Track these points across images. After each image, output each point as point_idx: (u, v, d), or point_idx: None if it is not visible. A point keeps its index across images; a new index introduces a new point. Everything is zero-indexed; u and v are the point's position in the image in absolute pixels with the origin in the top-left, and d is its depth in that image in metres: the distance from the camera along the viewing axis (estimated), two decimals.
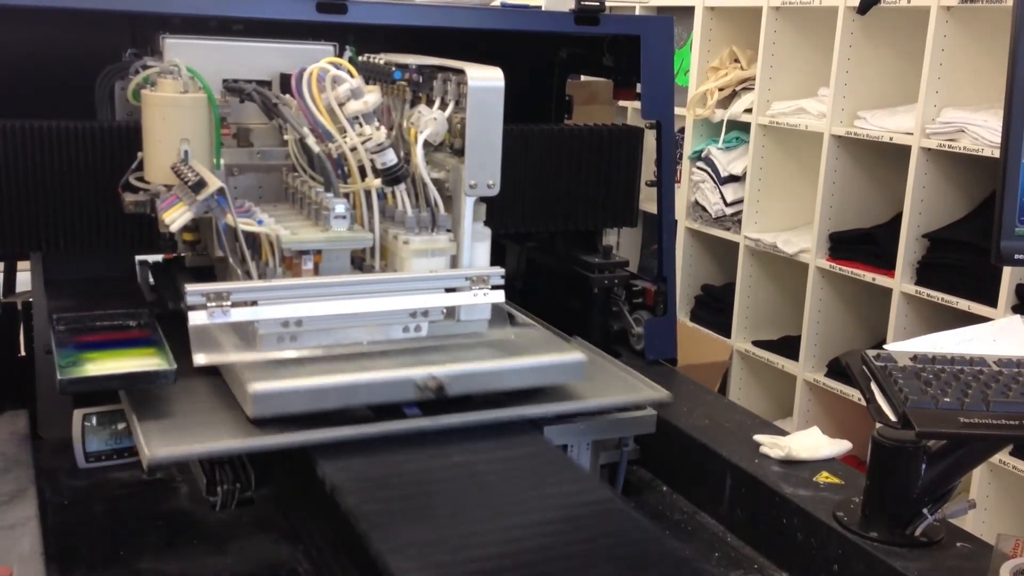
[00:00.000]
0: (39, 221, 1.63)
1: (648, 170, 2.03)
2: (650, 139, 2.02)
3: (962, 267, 2.95)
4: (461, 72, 1.47)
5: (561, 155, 1.95)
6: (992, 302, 2.81)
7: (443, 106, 1.51)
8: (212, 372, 1.45)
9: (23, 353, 1.88)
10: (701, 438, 1.67)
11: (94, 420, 1.63)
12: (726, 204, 3.82)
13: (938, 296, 2.98)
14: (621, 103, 3.98)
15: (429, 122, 1.49)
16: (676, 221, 3.74)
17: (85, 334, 1.51)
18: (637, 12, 4.05)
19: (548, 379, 1.50)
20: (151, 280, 1.80)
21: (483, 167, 1.47)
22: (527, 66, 1.55)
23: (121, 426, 1.63)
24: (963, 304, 2.90)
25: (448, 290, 1.48)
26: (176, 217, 1.38)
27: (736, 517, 1.59)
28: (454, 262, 1.51)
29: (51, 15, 1.76)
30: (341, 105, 1.46)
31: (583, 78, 3.27)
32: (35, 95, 1.79)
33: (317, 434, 1.33)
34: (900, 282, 3.10)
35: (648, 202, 2.08)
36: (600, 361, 1.70)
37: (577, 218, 2.03)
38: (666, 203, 2.04)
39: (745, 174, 3.73)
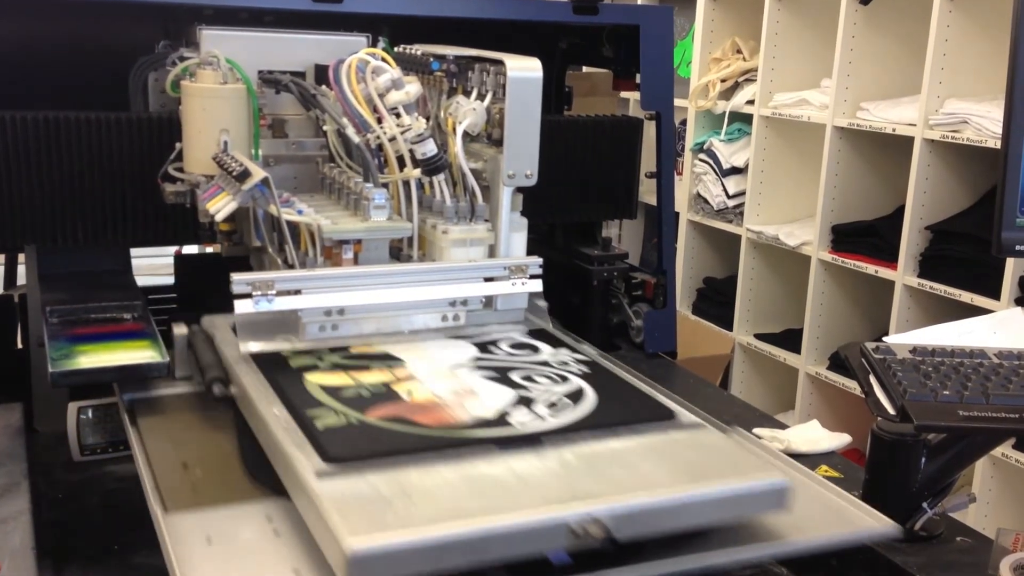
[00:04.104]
0: (37, 213, 1.63)
1: (649, 162, 2.01)
2: (651, 130, 2.01)
3: (965, 259, 2.93)
4: (500, 63, 1.47)
5: (560, 146, 1.94)
6: (995, 294, 2.80)
7: (481, 96, 1.52)
8: (276, 486, 1.15)
9: (21, 346, 1.87)
10: None
11: (89, 413, 1.62)
12: (728, 196, 3.81)
13: (941, 288, 2.97)
14: (623, 94, 3.97)
15: (468, 112, 1.49)
16: (677, 213, 3.74)
17: (78, 327, 1.50)
18: (638, 2, 4.03)
19: (745, 511, 1.12)
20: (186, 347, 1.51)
21: (521, 157, 1.47)
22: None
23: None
24: (966, 296, 2.89)
25: (487, 279, 1.48)
26: (221, 207, 1.39)
27: None
28: (492, 251, 1.51)
29: (83, 7, 1.76)
30: (381, 96, 1.47)
31: (584, 69, 3.26)
32: (65, 87, 1.80)
33: None
34: (903, 274, 3.09)
35: (649, 194, 2.07)
36: (793, 474, 1.24)
37: (576, 210, 2.02)
38: (666, 195, 2.03)
39: (747, 166, 3.72)
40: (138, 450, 1.34)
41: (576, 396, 1.25)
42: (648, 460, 1.12)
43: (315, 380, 1.25)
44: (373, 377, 1.27)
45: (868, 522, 1.16)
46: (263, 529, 1.11)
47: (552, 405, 1.21)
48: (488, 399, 1.22)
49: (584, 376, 1.31)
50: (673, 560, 1.06)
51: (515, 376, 1.29)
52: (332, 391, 1.21)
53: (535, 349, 1.41)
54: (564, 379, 1.30)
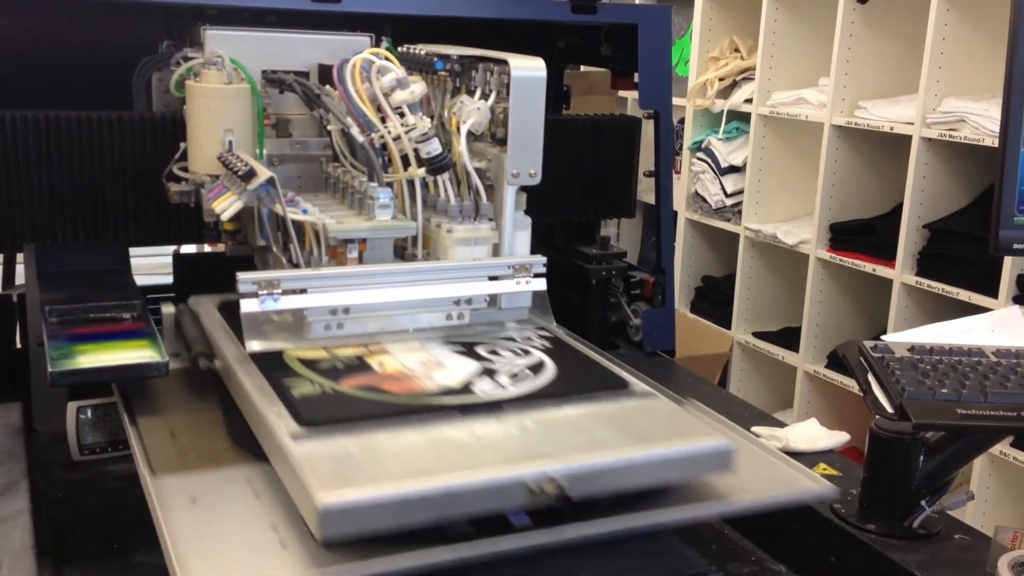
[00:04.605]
0: (37, 213, 1.63)
1: (647, 160, 2.02)
2: (649, 129, 2.01)
3: (963, 257, 2.94)
4: (504, 62, 1.48)
5: (558, 145, 1.94)
6: (993, 293, 2.81)
7: (485, 96, 1.52)
8: (258, 451, 1.23)
9: (19, 346, 1.87)
10: None
11: (89, 412, 1.63)
12: (726, 195, 3.81)
13: (939, 287, 2.98)
14: (621, 93, 3.97)
15: (473, 112, 1.50)
16: (675, 212, 3.74)
17: (78, 326, 1.50)
18: (636, 1, 4.03)
19: (692, 472, 1.21)
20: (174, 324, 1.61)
21: (525, 156, 1.48)
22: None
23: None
24: (964, 295, 2.89)
25: (491, 278, 1.49)
26: (227, 206, 1.39)
27: None
28: (496, 250, 1.52)
29: (86, 7, 1.76)
30: (386, 95, 1.47)
31: (583, 68, 3.26)
32: (68, 87, 1.80)
33: (405, 560, 1.04)
34: (900, 273, 3.09)
35: (648, 193, 2.07)
36: (743, 441, 1.35)
37: (575, 209, 2.03)
38: (664, 194, 2.03)
39: (745, 165, 3.72)
40: (128, 420, 1.41)
41: (537, 368, 1.34)
42: (601, 425, 1.20)
43: (294, 354, 1.33)
44: (348, 351, 1.36)
45: (807, 484, 1.26)
46: (244, 490, 1.19)
47: (514, 376, 1.30)
48: (454, 370, 1.31)
49: (546, 350, 1.40)
50: (624, 517, 1.13)
51: (481, 350, 1.39)
52: (309, 363, 1.30)
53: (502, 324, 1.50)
54: (527, 352, 1.40)
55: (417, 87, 1.50)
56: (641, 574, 1.16)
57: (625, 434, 1.19)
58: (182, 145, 1.55)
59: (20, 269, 1.84)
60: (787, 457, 1.33)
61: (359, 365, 1.32)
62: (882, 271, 3.18)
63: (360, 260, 1.43)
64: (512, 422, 1.19)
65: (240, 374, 1.29)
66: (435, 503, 1.04)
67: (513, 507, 1.09)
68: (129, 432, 1.38)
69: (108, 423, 1.63)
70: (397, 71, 1.49)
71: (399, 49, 1.68)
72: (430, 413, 1.19)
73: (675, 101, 2.69)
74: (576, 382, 1.30)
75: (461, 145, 1.49)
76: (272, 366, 1.29)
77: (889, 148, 3.28)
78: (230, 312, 1.46)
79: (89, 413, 1.62)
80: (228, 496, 1.18)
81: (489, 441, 1.14)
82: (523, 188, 1.53)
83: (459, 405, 1.21)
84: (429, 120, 1.49)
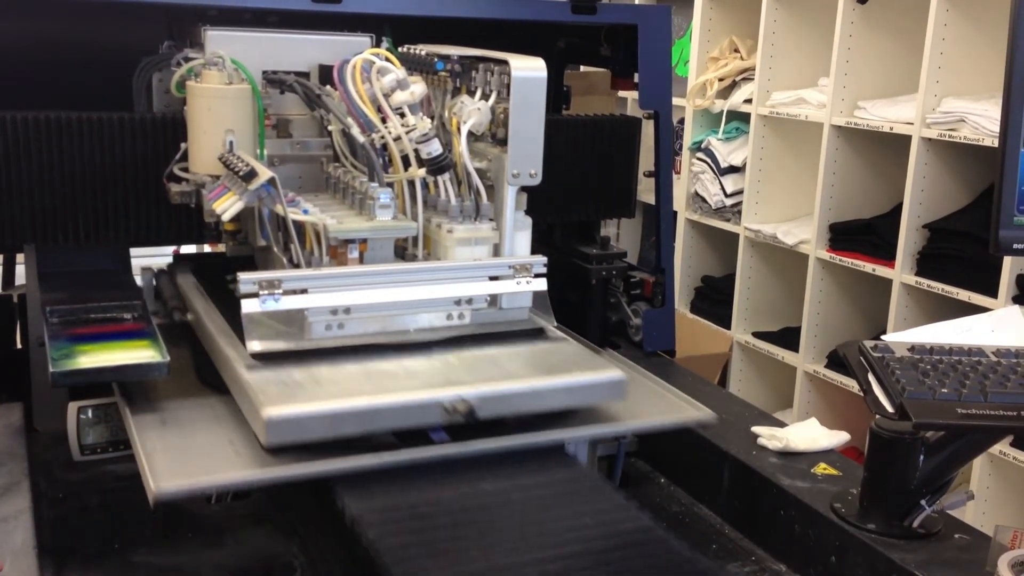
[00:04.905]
0: (36, 213, 1.63)
1: (647, 161, 2.02)
2: (649, 129, 2.01)
3: (962, 257, 2.94)
4: (504, 63, 1.48)
5: (558, 145, 1.94)
6: (993, 292, 2.81)
7: (485, 96, 1.53)
8: (220, 386, 1.43)
9: (20, 346, 1.87)
10: (699, 430, 1.67)
11: (89, 413, 1.63)
12: (726, 195, 3.82)
13: (938, 287, 2.98)
14: (621, 93, 3.98)
15: (473, 112, 1.50)
16: (675, 212, 3.74)
17: (78, 326, 1.50)
18: (636, 1, 4.03)
19: (587, 399, 1.42)
20: (154, 284, 1.78)
21: (525, 156, 1.48)
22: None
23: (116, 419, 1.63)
24: (963, 295, 2.89)
25: (491, 278, 1.49)
26: (228, 207, 1.39)
27: (734, 509, 1.59)
28: (496, 251, 1.52)
29: (87, 7, 1.76)
30: (386, 96, 1.48)
31: (583, 68, 3.26)
32: (68, 88, 1.80)
33: (338, 463, 1.25)
34: (900, 273, 3.09)
35: (647, 193, 2.07)
36: (638, 378, 1.62)
37: (574, 209, 2.03)
38: (664, 194, 2.03)
39: (745, 165, 3.72)
40: None
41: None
42: (515, 361, 1.42)
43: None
44: None
45: (691, 411, 1.50)
46: (206, 415, 1.39)
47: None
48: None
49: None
50: (524, 435, 1.35)
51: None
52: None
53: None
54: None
55: (417, 87, 1.50)
56: (535, 486, 1.31)
57: (533, 368, 1.41)
58: (183, 146, 1.56)
59: (20, 270, 1.84)
60: (677, 391, 1.56)
61: None
62: (882, 271, 3.18)
63: (361, 260, 1.44)
64: (438, 358, 1.41)
65: (207, 322, 1.51)
66: (363, 418, 1.26)
67: (430, 424, 1.30)
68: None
69: (109, 423, 1.63)
70: (397, 72, 1.49)
71: (399, 49, 1.69)
72: (368, 350, 1.39)
73: (675, 101, 2.69)
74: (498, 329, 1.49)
75: (461, 145, 1.49)
76: (234, 312, 1.43)
77: (889, 148, 3.29)
78: (202, 274, 1.71)
79: (90, 413, 1.62)
80: (193, 419, 1.38)
81: (416, 372, 1.36)
82: (523, 188, 1.53)
83: (394, 343, 1.41)
84: (429, 120, 1.50)
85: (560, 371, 1.40)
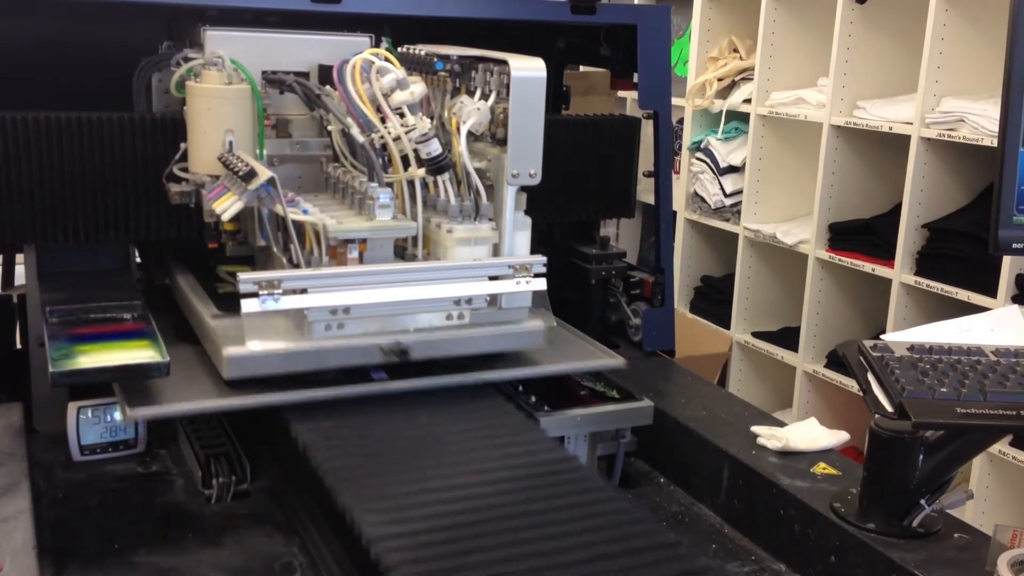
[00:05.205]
0: (36, 213, 1.63)
1: (646, 161, 2.02)
2: (648, 129, 2.02)
3: (962, 257, 2.94)
4: (504, 63, 1.48)
5: (558, 145, 1.94)
6: (992, 292, 2.81)
7: (485, 96, 1.53)
8: (194, 340, 1.59)
9: (20, 346, 1.88)
10: (698, 429, 1.67)
11: (89, 413, 1.63)
12: (725, 195, 3.81)
13: (938, 287, 2.98)
14: (621, 93, 3.98)
15: (473, 112, 1.50)
16: (675, 212, 3.74)
17: (78, 326, 1.50)
18: (635, 1, 4.04)
19: (508, 345, 1.57)
20: (137, 258, 1.85)
21: (525, 156, 1.49)
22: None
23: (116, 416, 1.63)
24: (963, 294, 2.89)
25: (491, 278, 1.50)
26: (227, 207, 1.40)
27: (733, 509, 1.59)
28: (496, 251, 1.53)
29: (86, 8, 1.76)
30: (386, 96, 1.48)
31: (582, 68, 3.26)
32: (68, 88, 1.81)
33: (288, 395, 1.42)
34: (900, 272, 3.09)
35: (647, 193, 2.07)
36: (562, 331, 1.77)
37: (574, 209, 2.03)
38: (663, 194, 2.03)
39: (744, 165, 3.72)
40: None
41: None
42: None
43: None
44: None
45: (605, 359, 1.69)
46: (178, 360, 1.48)
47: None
48: None
49: None
50: (458, 375, 1.52)
51: None
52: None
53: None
54: None
55: (417, 88, 1.50)
56: (460, 419, 1.45)
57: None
58: (182, 146, 1.56)
59: (20, 270, 1.84)
60: (595, 341, 1.75)
61: None
62: (881, 271, 3.18)
63: (360, 260, 1.44)
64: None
65: (183, 285, 1.69)
66: (312, 357, 1.43)
67: (370, 363, 1.47)
68: None
69: (108, 423, 1.63)
70: (397, 72, 1.49)
71: (399, 49, 1.69)
72: None
73: (674, 101, 2.69)
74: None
75: (461, 145, 1.49)
76: (207, 276, 1.69)
77: (888, 148, 3.28)
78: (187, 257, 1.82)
79: (90, 413, 1.63)
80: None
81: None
82: (523, 188, 1.53)
83: None
84: (429, 120, 1.50)
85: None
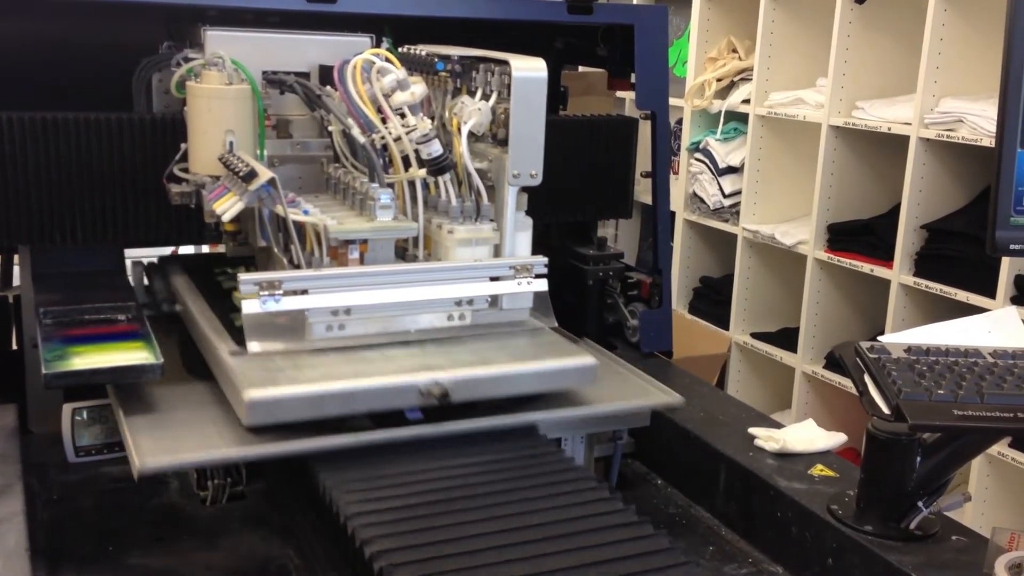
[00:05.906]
0: (35, 213, 1.62)
1: (644, 161, 2.01)
2: (646, 130, 2.01)
3: (961, 258, 2.94)
4: (504, 63, 1.48)
5: (555, 146, 1.93)
6: (991, 293, 2.80)
7: (486, 96, 1.52)
8: (206, 374, 1.48)
9: (15, 347, 1.87)
10: (696, 431, 1.66)
11: (84, 414, 1.62)
12: (724, 195, 3.81)
13: (937, 287, 2.97)
14: (619, 93, 3.97)
15: (473, 112, 1.50)
16: (673, 213, 3.74)
17: (72, 328, 1.50)
18: (633, 1, 4.03)
19: (557, 384, 1.48)
20: (144, 280, 1.81)
21: (526, 157, 1.49)
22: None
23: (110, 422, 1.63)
24: (962, 295, 2.89)
25: (492, 279, 1.49)
26: (228, 207, 1.40)
27: (730, 511, 1.58)
28: (497, 251, 1.53)
29: (86, 8, 1.76)
30: (386, 96, 1.47)
31: (580, 69, 3.26)
32: (68, 88, 1.80)
33: (312, 443, 1.32)
34: (898, 273, 3.09)
35: (645, 194, 2.07)
36: (611, 364, 1.70)
37: (572, 209, 2.02)
38: (661, 194, 2.03)
39: (743, 165, 3.72)
40: None
41: None
42: (491, 349, 1.46)
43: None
44: None
45: (661, 396, 1.57)
46: (192, 400, 1.44)
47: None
48: None
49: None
50: (495, 417, 1.41)
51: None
52: None
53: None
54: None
55: (418, 88, 1.49)
56: (498, 461, 1.36)
57: (509, 355, 1.45)
58: (183, 146, 1.55)
59: (18, 271, 1.84)
60: (648, 376, 1.63)
61: None
62: (880, 271, 3.18)
63: (361, 261, 1.44)
64: (416, 347, 1.45)
65: (195, 312, 1.58)
66: (341, 400, 1.31)
67: (407, 405, 1.35)
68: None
69: (104, 425, 1.62)
70: (398, 72, 1.49)
71: (400, 50, 1.68)
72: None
73: (673, 102, 2.69)
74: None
75: (462, 146, 1.49)
76: (221, 304, 1.57)
77: (887, 148, 3.28)
78: (193, 271, 1.76)
79: (84, 415, 1.62)
80: (178, 404, 1.43)
81: (394, 358, 1.40)
82: (524, 189, 1.53)
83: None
84: (430, 121, 1.49)
85: (533, 357, 1.46)
